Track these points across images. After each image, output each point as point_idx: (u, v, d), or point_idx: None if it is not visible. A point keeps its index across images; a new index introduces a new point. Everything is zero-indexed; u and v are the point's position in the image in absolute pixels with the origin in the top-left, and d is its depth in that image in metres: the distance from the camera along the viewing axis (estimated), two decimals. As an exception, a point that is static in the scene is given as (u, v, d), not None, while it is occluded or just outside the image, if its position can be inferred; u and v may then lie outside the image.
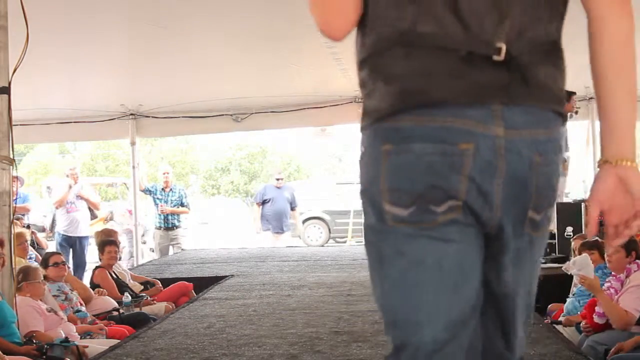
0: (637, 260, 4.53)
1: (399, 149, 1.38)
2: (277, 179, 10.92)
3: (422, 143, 1.37)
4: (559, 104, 1.47)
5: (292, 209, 10.86)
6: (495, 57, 1.37)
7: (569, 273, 4.73)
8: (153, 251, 11.02)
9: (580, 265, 4.45)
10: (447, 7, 1.37)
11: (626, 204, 1.43)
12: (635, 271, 4.44)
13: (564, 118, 1.49)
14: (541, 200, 1.45)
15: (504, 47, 1.37)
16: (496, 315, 1.53)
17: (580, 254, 5.27)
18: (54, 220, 9.88)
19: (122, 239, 10.05)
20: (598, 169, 1.48)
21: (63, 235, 9.20)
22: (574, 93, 8.05)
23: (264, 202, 10.72)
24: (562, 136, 1.48)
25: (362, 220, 1.52)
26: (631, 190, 1.42)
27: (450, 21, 1.37)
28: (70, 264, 8.85)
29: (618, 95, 1.47)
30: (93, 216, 9.98)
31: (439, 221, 1.40)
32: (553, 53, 1.47)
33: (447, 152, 1.36)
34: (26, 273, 4.88)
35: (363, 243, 1.55)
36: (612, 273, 4.63)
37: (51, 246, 9.25)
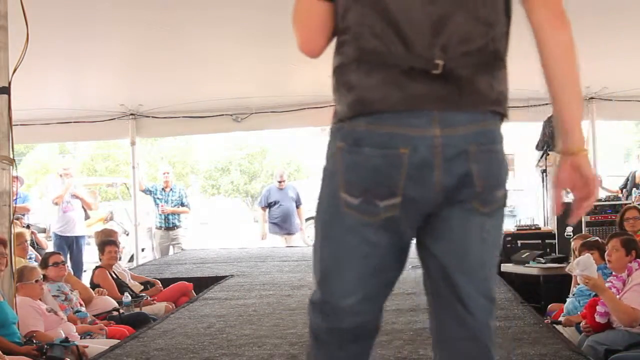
0: (637, 259, 4.52)
1: (352, 149, 1.69)
2: (279, 182, 10.62)
3: (370, 148, 1.66)
4: (498, 105, 1.72)
5: (297, 207, 10.60)
6: (434, 71, 1.62)
7: (573, 274, 4.72)
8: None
9: (583, 266, 4.44)
10: (390, 27, 1.64)
11: (583, 184, 1.78)
12: (636, 269, 4.43)
13: (502, 116, 1.74)
14: (484, 181, 1.70)
15: (441, 63, 1.62)
16: (449, 286, 1.80)
17: (580, 253, 5.27)
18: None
19: (122, 239, 10.05)
20: (559, 159, 1.79)
21: (58, 235, 9.17)
22: None
23: (269, 205, 10.49)
24: (498, 128, 1.73)
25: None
26: (584, 174, 1.79)
27: (394, 40, 1.64)
28: (68, 264, 8.85)
29: (566, 98, 1.77)
30: (86, 216, 9.96)
31: (380, 216, 1.70)
32: (492, 63, 1.71)
33: (389, 155, 1.65)
34: (21, 274, 4.87)
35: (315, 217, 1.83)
36: (613, 273, 4.62)
37: (51, 246, 9.24)
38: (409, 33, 1.64)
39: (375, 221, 1.71)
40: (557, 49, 1.76)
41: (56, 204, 9.23)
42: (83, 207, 9.49)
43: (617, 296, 4.38)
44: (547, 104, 9.84)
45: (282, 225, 10.51)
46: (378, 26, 1.65)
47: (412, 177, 1.66)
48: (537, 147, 8.59)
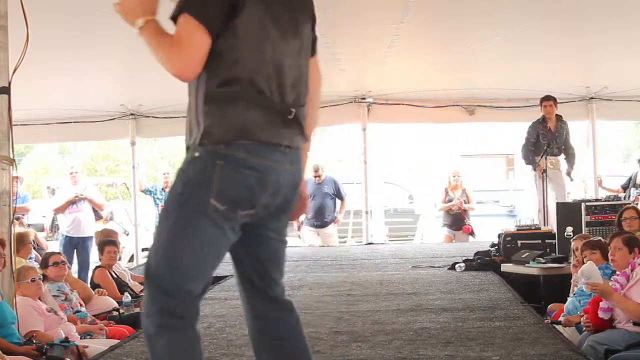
0: (641, 255, 4.52)
1: (231, 167, 2.18)
2: (315, 176, 10.15)
3: (250, 170, 2.19)
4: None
5: (341, 199, 10.32)
6: (289, 117, 2.28)
7: (580, 284, 4.68)
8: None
9: (588, 274, 4.40)
10: (276, 83, 2.25)
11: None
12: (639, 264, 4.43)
13: None
14: (289, 209, 2.41)
15: (294, 111, 2.29)
16: (275, 263, 2.42)
17: (582, 253, 5.27)
18: (54, 221, 9.86)
19: (122, 240, 10.03)
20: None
21: (66, 236, 9.16)
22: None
23: None
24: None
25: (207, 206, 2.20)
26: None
27: (274, 90, 2.25)
28: (75, 265, 8.84)
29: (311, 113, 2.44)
30: (98, 217, 9.93)
31: (237, 221, 2.24)
32: (305, 111, 2.38)
33: (262, 180, 2.22)
34: (18, 273, 4.87)
35: (171, 208, 2.25)
36: (617, 272, 4.60)
37: (51, 246, 9.22)
38: (283, 87, 2.27)
39: (231, 224, 2.24)
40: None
41: (55, 214, 9.21)
42: (93, 208, 9.45)
43: (622, 291, 4.37)
44: (546, 104, 9.85)
45: (314, 219, 10.26)
46: (269, 78, 2.24)
47: (267, 197, 2.25)
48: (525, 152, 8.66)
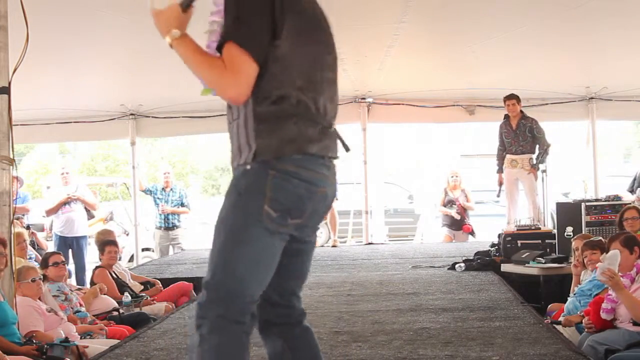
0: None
1: (283, 177, 2.27)
2: None
3: (299, 181, 2.29)
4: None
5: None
6: (330, 130, 2.41)
7: (600, 267, 4.58)
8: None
9: (610, 259, 4.37)
10: (318, 98, 2.37)
11: None
12: (644, 267, 4.42)
13: None
14: (320, 221, 2.50)
15: (335, 124, 2.44)
16: (300, 273, 2.53)
17: (582, 253, 5.26)
18: (53, 221, 9.86)
19: (122, 240, 10.04)
20: None
21: (59, 236, 9.14)
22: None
23: None
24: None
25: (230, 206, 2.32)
26: None
27: (320, 106, 2.37)
28: (71, 265, 8.83)
29: None
30: (90, 216, 9.93)
31: (287, 228, 2.32)
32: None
33: (311, 191, 2.32)
34: (18, 273, 4.86)
35: (225, 216, 2.32)
36: (620, 274, 4.59)
37: (51, 246, 9.22)
38: (324, 102, 2.39)
39: (282, 232, 2.31)
40: None
41: (47, 216, 9.20)
42: (85, 207, 9.46)
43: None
44: (545, 104, 9.87)
45: None
46: (313, 94, 2.36)
47: (313, 206, 2.36)
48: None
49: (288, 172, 2.28)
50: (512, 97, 8.54)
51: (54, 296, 5.34)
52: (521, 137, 8.59)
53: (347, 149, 2.51)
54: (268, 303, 2.43)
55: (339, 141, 2.47)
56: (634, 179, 9.52)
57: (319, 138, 2.34)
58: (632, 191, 9.30)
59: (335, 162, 2.43)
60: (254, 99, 2.30)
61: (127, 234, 12.10)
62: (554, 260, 6.68)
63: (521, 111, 8.64)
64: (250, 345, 2.29)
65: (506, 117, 8.73)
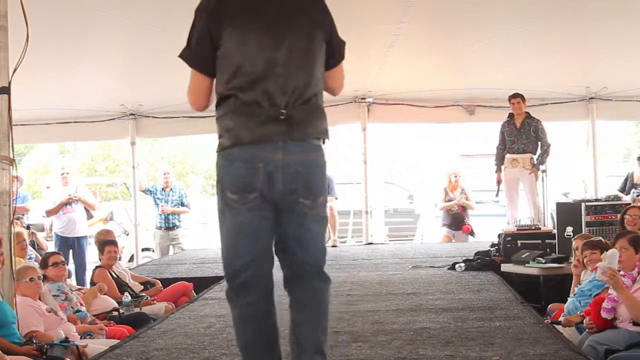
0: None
1: (230, 164, 2.75)
2: None
3: (239, 162, 2.73)
4: (320, 135, 2.84)
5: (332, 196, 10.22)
6: (281, 117, 2.73)
7: (600, 265, 4.57)
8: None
9: (610, 258, 4.37)
10: (262, 92, 2.72)
11: None
12: (646, 267, 4.42)
13: (323, 141, 2.87)
14: (308, 191, 2.78)
15: (285, 112, 2.73)
16: (298, 244, 2.83)
17: (582, 253, 5.26)
18: (53, 221, 9.85)
19: (122, 240, 10.03)
20: None
21: (60, 236, 9.14)
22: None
23: None
24: (320, 153, 2.84)
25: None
26: None
27: (262, 98, 2.72)
28: (72, 265, 8.84)
29: None
30: (89, 216, 9.93)
31: (249, 204, 2.73)
32: (314, 107, 2.82)
33: (251, 167, 2.72)
34: (17, 273, 4.86)
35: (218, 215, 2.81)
36: (622, 273, 4.59)
37: (51, 246, 9.22)
38: (271, 94, 2.72)
39: (247, 207, 2.73)
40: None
41: (47, 216, 9.19)
42: (85, 207, 9.46)
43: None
44: (545, 104, 9.87)
45: None
46: (254, 90, 2.72)
47: (265, 181, 2.72)
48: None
49: (233, 159, 2.73)
50: (517, 96, 8.56)
51: (54, 296, 5.34)
52: (524, 136, 8.59)
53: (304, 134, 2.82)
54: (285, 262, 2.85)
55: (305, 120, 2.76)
56: (626, 179, 9.54)
57: (260, 126, 2.70)
58: (623, 191, 9.32)
59: (292, 143, 2.73)
60: (215, 101, 2.81)
61: (127, 234, 12.10)
62: (554, 260, 6.67)
63: (526, 111, 8.65)
64: (257, 315, 2.76)
65: (510, 115, 8.72)
